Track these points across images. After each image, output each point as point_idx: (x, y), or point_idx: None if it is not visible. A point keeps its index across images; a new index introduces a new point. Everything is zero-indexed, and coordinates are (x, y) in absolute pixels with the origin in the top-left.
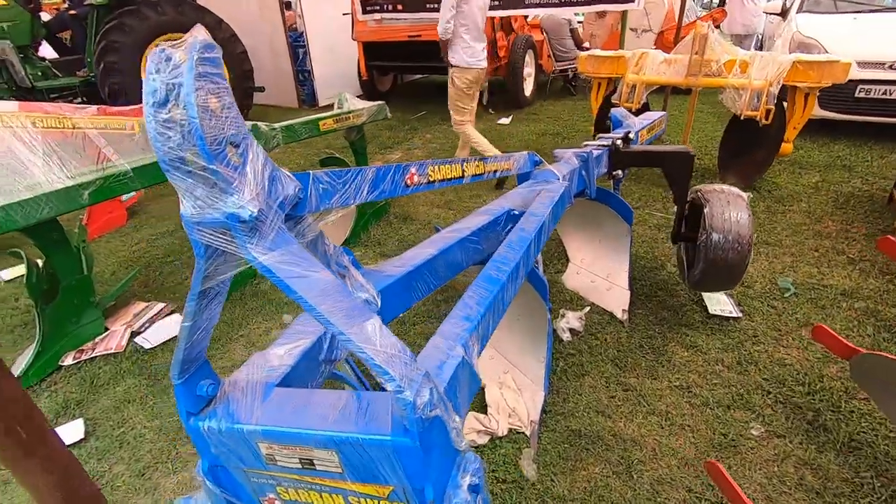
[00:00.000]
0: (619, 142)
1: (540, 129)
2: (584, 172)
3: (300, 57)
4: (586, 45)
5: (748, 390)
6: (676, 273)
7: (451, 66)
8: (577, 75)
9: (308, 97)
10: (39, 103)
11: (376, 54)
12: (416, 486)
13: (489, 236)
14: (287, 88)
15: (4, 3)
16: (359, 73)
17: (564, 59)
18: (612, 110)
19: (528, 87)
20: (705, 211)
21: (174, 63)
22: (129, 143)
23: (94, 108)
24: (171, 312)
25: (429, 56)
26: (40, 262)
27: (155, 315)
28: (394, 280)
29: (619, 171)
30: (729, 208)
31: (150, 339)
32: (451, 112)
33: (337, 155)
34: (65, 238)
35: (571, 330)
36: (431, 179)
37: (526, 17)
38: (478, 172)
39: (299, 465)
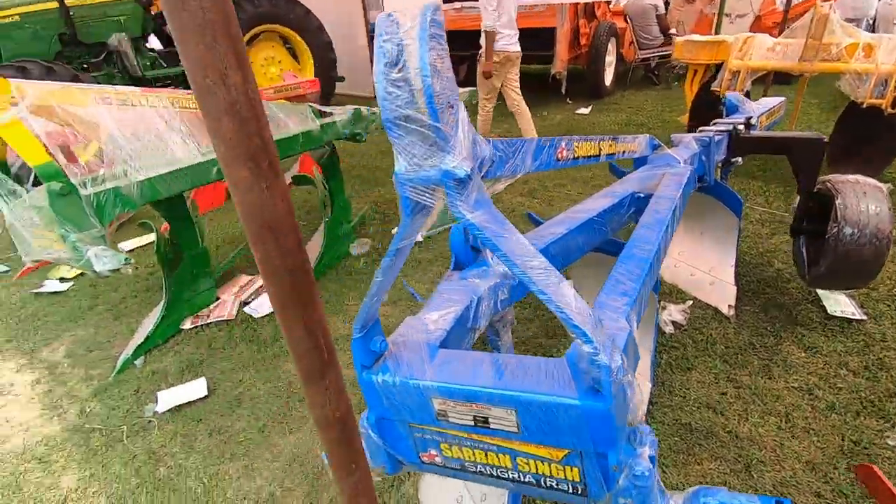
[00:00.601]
0: (740, 127)
1: (622, 120)
2: (703, 157)
3: None
4: (673, 31)
5: (880, 397)
6: (785, 270)
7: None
8: (660, 64)
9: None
10: (165, 90)
11: (454, 43)
12: (599, 450)
13: (613, 219)
14: (363, 78)
15: None
16: None
17: (648, 47)
18: (728, 94)
19: (609, 77)
20: (837, 202)
21: (405, 26)
22: None
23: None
24: None
25: None
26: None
27: (260, 287)
28: None
29: (739, 158)
30: (866, 200)
31: (258, 309)
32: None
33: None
34: (188, 212)
35: (674, 323)
36: (576, 155)
37: (609, 2)
38: (611, 152)
39: (472, 423)
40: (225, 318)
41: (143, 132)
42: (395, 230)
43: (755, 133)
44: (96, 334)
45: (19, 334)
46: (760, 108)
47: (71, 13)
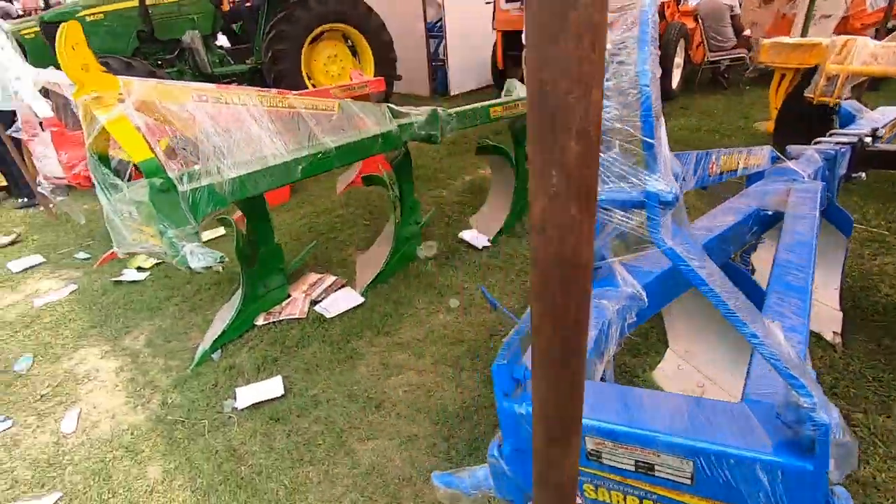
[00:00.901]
0: (867, 139)
1: (692, 125)
2: (827, 172)
3: (434, 46)
4: (747, 32)
5: None
6: (895, 295)
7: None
8: (730, 67)
9: (440, 86)
10: (226, 85)
11: (515, 43)
12: None
13: (736, 237)
14: (420, 77)
15: None
16: (493, 62)
17: (720, 49)
18: (844, 103)
19: (675, 80)
20: None
21: (619, 28)
22: (328, 122)
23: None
24: (343, 285)
25: None
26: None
27: (329, 286)
28: (654, 277)
29: (862, 174)
30: None
31: (329, 308)
32: None
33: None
34: (266, 209)
35: None
36: (721, 170)
37: (678, 2)
38: (746, 165)
39: (632, 468)
40: (297, 316)
41: (235, 130)
42: (462, 233)
43: (882, 146)
44: (173, 325)
45: (102, 321)
46: (883, 119)
47: (150, 11)
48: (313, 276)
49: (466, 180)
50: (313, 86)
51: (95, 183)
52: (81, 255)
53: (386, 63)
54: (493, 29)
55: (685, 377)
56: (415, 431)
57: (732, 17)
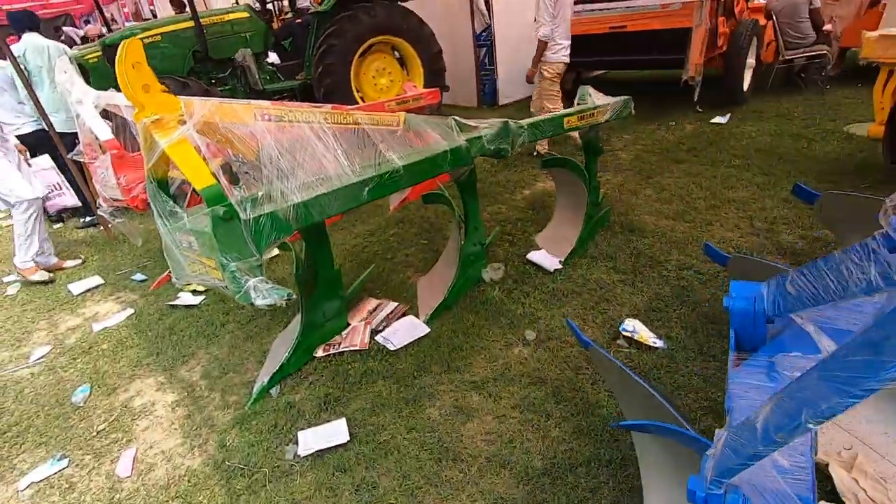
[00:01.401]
0: None
1: (771, 130)
2: None
3: (482, 55)
4: (828, 27)
5: None
6: None
7: (541, 61)
8: (807, 65)
9: (488, 96)
10: (283, 102)
11: (579, 49)
12: None
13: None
14: (467, 87)
15: (247, 15)
16: None
17: (797, 47)
18: None
19: (746, 82)
20: None
21: None
22: (393, 138)
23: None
24: (405, 313)
25: (635, 48)
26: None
27: (390, 314)
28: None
29: None
30: None
31: (392, 340)
32: (545, 102)
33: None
34: (325, 231)
35: None
36: None
37: None
38: None
39: None
40: (358, 347)
41: (299, 150)
42: (530, 255)
43: None
44: (229, 354)
45: (158, 349)
46: None
47: (204, 31)
48: (372, 302)
49: (525, 194)
50: (362, 99)
51: (154, 210)
52: (138, 276)
53: (435, 74)
54: None
55: None
56: (499, 492)
57: (812, 10)
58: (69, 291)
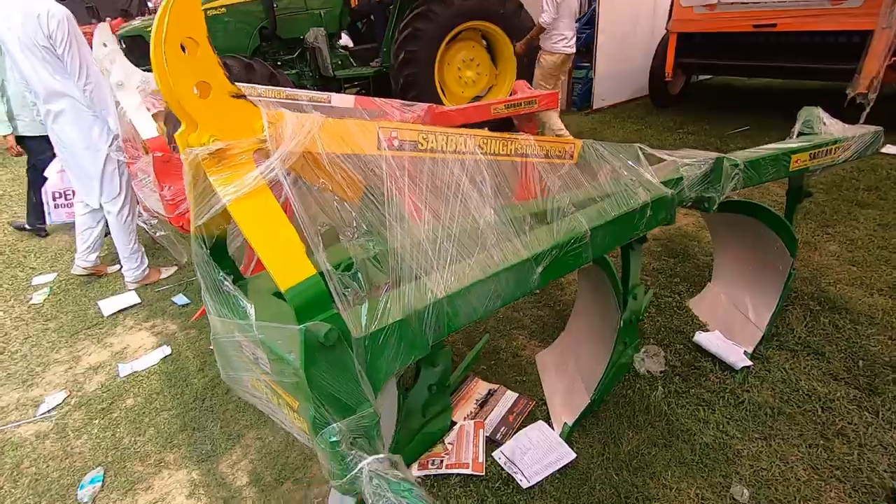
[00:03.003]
0: None
1: None
2: None
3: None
4: None
5: None
6: None
7: (541, 48)
8: None
9: (581, 98)
10: (377, 98)
11: (694, 49)
12: None
13: None
14: None
15: None
16: (654, 72)
17: None
18: None
19: None
20: None
21: None
22: (558, 178)
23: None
24: (530, 412)
25: (784, 52)
26: None
27: (509, 413)
28: None
29: None
30: None
31: (520, 466)
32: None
33: None
34: None
35: None
36: None
37: None
38: None
39: None
40: (470, 471)
41: (443, 201)
42: (697, 337)
43: None
44: (286, 447)
45: (197, 419)
46: None
47: (275, 5)
48: (480, 386)
49: (655, 232)
50: (443, 94)
51: (202, 283)
52: (180, 299)
53: (531, 69)
54: (667, 30)
55: None
56: None
57: None
58: (99, 310)
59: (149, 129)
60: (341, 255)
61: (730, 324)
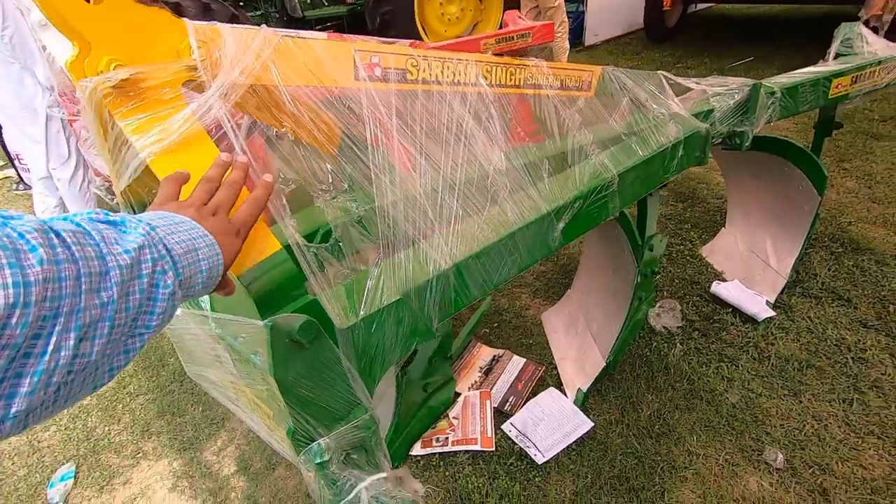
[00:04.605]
0: None
1: None
2: None
3: None
4: None
5: None
6: None
7: None
8: None
9: (572, 34)
10: (353, 35)
11: None
12: None
13: None
14: None
15: None
16: (650, 2)
17: None
18: None
19: None
20: None
21: None
22: (577, 113)
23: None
24: (540, 377)
25: None
26: None
27: (518, 380)
28: None
29: None
30: None
31: (533, 439)
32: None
33: None
34: None
35: None
36: None
37: None
38: None
39: None
40: (479, 447)
41: (439, 147)
42: (715, 287)
43: None
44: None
45: (176, 401)
46: None
47: None
48: (485, 352)
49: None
50: (425, 32)
51: None
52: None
53: (515, 4)
54: None
55: None
56: None
57: None
58: None
59: None
60: (315, 222)
61: (749, 271)
